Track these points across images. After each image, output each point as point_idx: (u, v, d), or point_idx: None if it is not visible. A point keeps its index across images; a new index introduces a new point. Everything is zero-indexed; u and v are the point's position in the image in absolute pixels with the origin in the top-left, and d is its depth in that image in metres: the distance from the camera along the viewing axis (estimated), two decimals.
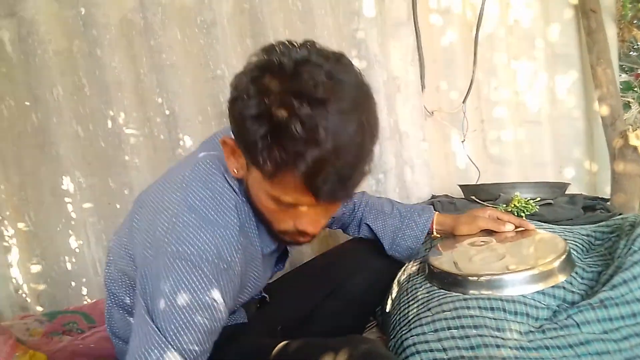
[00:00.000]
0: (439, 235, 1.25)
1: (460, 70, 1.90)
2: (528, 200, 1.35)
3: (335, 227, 1.34)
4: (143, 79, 1.53)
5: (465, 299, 0.96)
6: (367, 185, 1.81)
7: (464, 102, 1.86)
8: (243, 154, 0.75)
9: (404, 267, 1.27)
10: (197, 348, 0.72)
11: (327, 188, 0.69)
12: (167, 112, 1.56)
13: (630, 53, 2.40)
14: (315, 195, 0.70)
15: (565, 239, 1.17)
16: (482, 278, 0.99)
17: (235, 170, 0.80)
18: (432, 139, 1.92)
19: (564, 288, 1.00)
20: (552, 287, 0.98)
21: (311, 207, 0.76)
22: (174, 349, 0.69)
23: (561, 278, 1.00)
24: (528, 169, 2.03)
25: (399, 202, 1.31)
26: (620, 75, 2.09)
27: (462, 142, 1.86)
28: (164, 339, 0.69)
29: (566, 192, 1.57)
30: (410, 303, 1.06)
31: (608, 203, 1.46)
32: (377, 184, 1.82)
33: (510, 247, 1.09)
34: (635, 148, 1.83)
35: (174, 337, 0.70)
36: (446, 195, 1.79)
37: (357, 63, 1.70)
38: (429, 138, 1.89)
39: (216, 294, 0.74)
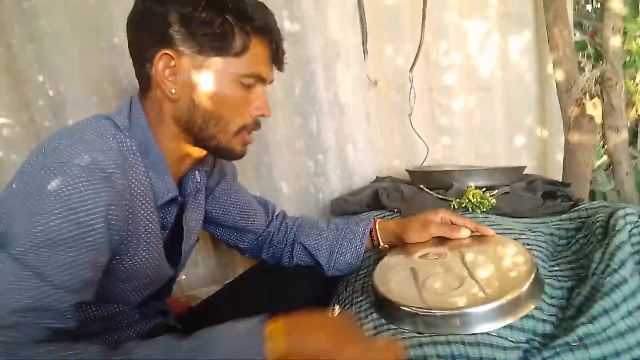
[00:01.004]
0: (387, 246, 1.07)
1: (407, 33, 1.67)
2: (484, 193, 1.18)
3: (266, 256, 1.15)
4: (16, 52, 1.20)
5: (420, 345, 0.78)
6: (304, 168, 1.59)
7: (411, 70, 1.64)
8: (197, 53, 0.76)
9: (345, 280, 1.09)
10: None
11: (282, 56, 0.86)
12: (51, 93, 1.24)
13: (587, 7, 2.23)
14: (277, 62, 0.86)
15: (529, 246, 1.02)
16: (439, 313, 0.81)
17: (172, 91, 0.78)
18: (375, 112, 1.70)
19: (533, 317, 0.84)
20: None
21: (264, 87, 0.85)
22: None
23: (531, 305, 0.84)
24: (478, 139, 1.88)
25: (338, 218, 1.12)
26: (574, 34, 1.92)
27: (409, 115, 1.65)
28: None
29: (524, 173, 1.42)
30: None
31: (569, 189, 1.32)
32: (316, 165, 1.60)
33: (469, 264, 0.92)
34: (591, 118, 1.71)
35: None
36: (391, 178, 1.60)
37: (288, 26, 1.44)
38: (372, 110, 1.68)
39: (93, 206, 0.66)
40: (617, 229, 0.93)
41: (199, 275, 1.48)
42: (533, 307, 0.84)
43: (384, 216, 1.30)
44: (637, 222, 0.96)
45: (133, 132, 0.78)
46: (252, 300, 1.07)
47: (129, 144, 0.77)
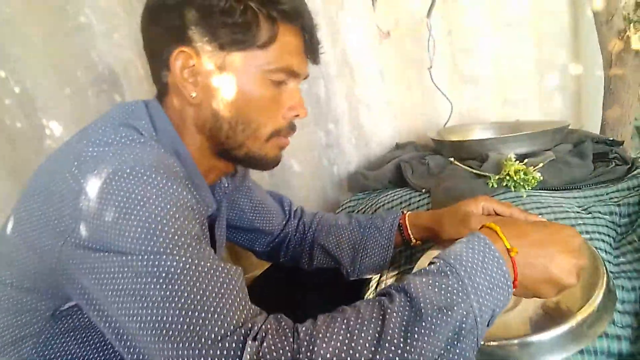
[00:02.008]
0: (419, 242, 0.92)
1: None
2: (527, 166, 1.01)
3: (284, 259, 1.03)
4: None
5: None
6: (314, 139, 1.42)
7: (428, 15, 1.42)
8: (218, 48, 0.66)
9: (372, 282, 0.95)
10: None
11: (317, 46, 0.73)
12: (17, 90, 1.07)
13: None
14: (311, 52, 0.72)
15: (588, 235, 0.87)
16: (494, 343, 0.67)
17: (193, 94, 0.68)
18: (390, 68, 1.50)
19: (606, 335, 0.70)
20: None
21: (298, 83, 0.73)
22: None
23: (605, 322, 0.70)
24: (506, 85, 1.68)
25: (361, 215, 0.97)
26: None
27: (429, 68, 1.45)
28: None
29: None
30: None
31: (622, 147, 1.14)
32: (327, 135, 1.43)
33: None
34: (637, 52, 1.49)
35: None
36: (414, 145, 1.42)
37: None
38: (386, 67, 1.47)
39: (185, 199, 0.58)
40: None
41: None
42: (607, 323, 0.70)
43: (409, 198, 1.14)
44: None
45: (162, 142, 0.66)
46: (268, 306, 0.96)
47: (164, 152, 0.65)
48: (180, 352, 0.48)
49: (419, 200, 1.12)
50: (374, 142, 1.49)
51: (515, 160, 1.03)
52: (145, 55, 0.73)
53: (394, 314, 0.50)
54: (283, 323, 0.53)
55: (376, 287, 0.94)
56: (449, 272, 0.53)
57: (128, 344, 0.53)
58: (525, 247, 0.56)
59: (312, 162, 1.43)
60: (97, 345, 0.66)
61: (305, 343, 0.49)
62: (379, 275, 0.96)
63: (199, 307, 0.50)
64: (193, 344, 0.48)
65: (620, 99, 1.61)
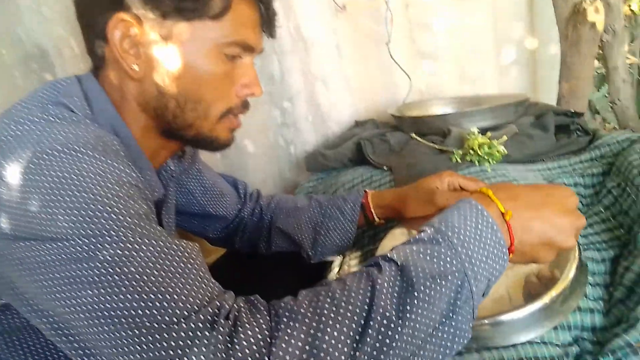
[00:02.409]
0: (383, 222, 0.88)
1: None
2: (492, 142, 0.97)
3: (240, 245, 0.97)
4: None
5: None
6: (269, 119, 1.35)
7: None
8: (162, 16, 0.58)
9: (334, 264, 0.90)
10: None
11: (274, 18, 0.67)
12: None
13: None
14: (267, 25, 0.67)
15: None
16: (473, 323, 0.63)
17: (135, 67, 0.60)
18: (347, 44, 1.44)
19: (579, 308, 0.68)
20: None
21: (252, 58, 0.66)
22: None
23: (579, 297, 0.67)
24: (464, 60, 1.65)
25: (321, 195, 0.92)
26: None
27: (387, 43, 1.40)
28: None
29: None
30: None
31: (582, 118, 1.12)
32: (283, 114, 1.36)
33: None
34: (592, 25, 1.49)
35: None
36: (373, 122, 1.37)
37: None
38: (343, 41, 1.41)
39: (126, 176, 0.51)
40: None
41: None
42: (581, 297, 0.67)
43: (371, 176, 1.09)
44: None
45: (99, 121, 0.58)
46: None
47: (101, 130, 0.57)
48: (132, 341, 0.42)
49: (381, 179, 1.07)
50: (332, 120, 1.43)
51: (478, 134, 0.99)
52: (79, 25, 0.64)
53: (384, 285, 0.45)
54: (256, 301, 0.47)
55: (339, 270, 0.89)
56: (440, 240, 0.48)
57: (71, 339, 0.46)
58: (520, 209, 0.52)
59: (267, 142, 1.36)
60: (32, 349, 0.58)
61: (285, 319, 0.44)
62: (342, 256, 0.91)
63: (154, 288, 0.43)
64: (145, 330, 0.42)
65: (576, 72, 1.61)
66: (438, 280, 0.45)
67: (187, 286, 0.45)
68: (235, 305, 0.46)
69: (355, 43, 1.46)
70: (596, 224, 0.84)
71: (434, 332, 0.45)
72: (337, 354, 0.42)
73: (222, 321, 0.43)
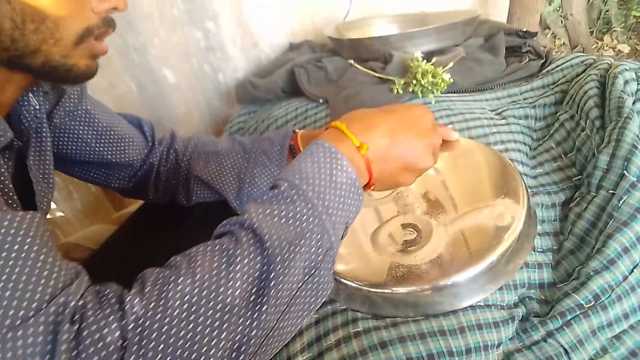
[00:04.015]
0: None
1: None
2: (436, 70, 0.86)
3: (155, 196, 0.85)
4: None
5: (383, 344, 0.53)
6: (190, 42, 1.18)
7: None
8: None
9: None
10: None
11: None
12: None
13: None
14: None
15: (503, 145, 0.76)
16: (403, 290, 0.56)
17: None
18: None
19: (526, 265, 0.61)
20: None
21: None
22: None
23: (526, 252, 0.60)
24: None
25: (246, 137, 0.82)
26: None
27: None
28: None
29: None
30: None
31: (535, 39, 1.02)
32: (206, 37, 1.18)
33: (431, 198, 0.65)
34: None
35: None
36: (309, 45, 1.22)
37: None
38: None
39: None
40: (623, 112, 0.67)
41: (78, 209, 1.13)
42: (528, 252, 0.60)
43: (306, 110, 0.97)
44: None
45: None
46: (159, 240, 0.79)
47: None
48: None
49: (316, 113, 0.95)
50: (264, 42, 1.26)
51: (422, 60, 0.88)
52: None
53: (245, 265, 0.40)
54: (107, 293, 0.38)
55: None
56: (295, 197, 0.44)
57: None
58: (375, 140, 0.50)
59: (190, 70, 1.19)
60: None
61: (134, 317, 0.35)
62: None
63: None
64: None
65: None
66: (298, 243, 0.42)
67: (19, 286, 0.34)
68: (81, 301, 0.36)
69: None
70: (547, 163, 0.76)
71: (297, 293, 0.43)
72: None
73: (67, 326, 0.34)
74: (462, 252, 0.57)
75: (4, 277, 0.34)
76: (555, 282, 0.61)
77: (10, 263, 0.34)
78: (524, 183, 0.63)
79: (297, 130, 0.78)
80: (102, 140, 0.75)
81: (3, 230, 0.35)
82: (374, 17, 1.28)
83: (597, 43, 2.28)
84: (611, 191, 0.62)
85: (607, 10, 2.21)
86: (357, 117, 0.52)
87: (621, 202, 0.60)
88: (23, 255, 0.35)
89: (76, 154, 0.73)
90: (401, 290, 0.56)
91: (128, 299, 0.36)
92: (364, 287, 0.57)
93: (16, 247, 0.35)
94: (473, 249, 0.57)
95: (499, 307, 0.58)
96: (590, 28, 2.16)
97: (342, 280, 0.59)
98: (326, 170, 0.46)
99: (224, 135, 0.89)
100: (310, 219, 0.44)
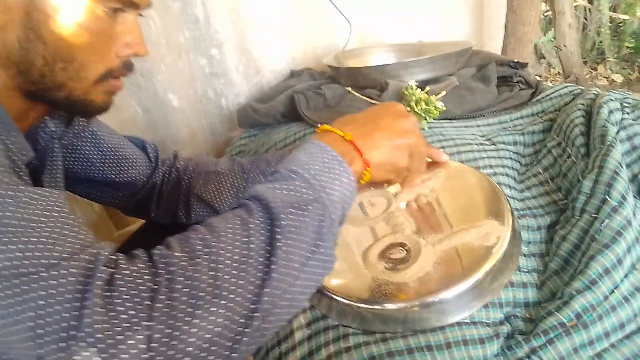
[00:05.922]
0: None
1: None
2: (430, 97, 0.90)
3: (156, 215, 0.88)
4: None
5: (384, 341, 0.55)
6: (195, 69, 1.22)
7: None
8: None
9: None
10: None
11: None
12: None
13: None
14: None
15: (491, 169, 0.80)
16: (392, 307, 0.58)
17: None
18: None
19: (511, 284, 0.64)
20: None
21: (136, 14, 0.58)
22: None
23: (511, 271, 0.63)
24: (408, 3, 1.55)
25: (245, 158, 0.87)
26: None
27: None
28: None
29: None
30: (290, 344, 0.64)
31: (526, 69, 1.06)
32: (211, 63, 1.23)
33: (419, 218, 0.68)
34: None
35: None
36: (310, 73, 1.27)
37: None
38: None
39: None
40: (607, 140, 0.71)
41: None
42: (513, 271, 0.63)
43: (304, 135, 1.01)
44: (632, 122, 0.74)
45: None
46: None
47: None
48: None
49: None
50: (266, 69, 1.31)
51: (416, 88, 0.92)
52: None
53: (256, 223, 0.44)
54: (135, 252, 0.42)
55: None
56: (293, 176, 0.49)
57: None
58: (358, 128, 0.55)
59: (194, 95, 1.24)
60: None
61: (162, 265, 0.40)
62: None
63: (13, 238, 0.38)
64: (7, 281, 0.36)
65: (523, 17, 1.55)
66: (300, 209, 0.46)
67: (54, 234, 0.39)
68: (114, 255, 0.41)
69: None
70: (534, 187, 0.79)
71: (307, 261, 0.46)
72: None
73: (102, 267, 0.38)
74: (449, 270, 0.59)
75: (44, 220, 0.39)
76: (540, 301, 0.63)
77: (47, 213, 0.40)
78: (510, 205, 0.66)
79: (294, 151, 0.82)
80: (107, 160, 0.78)
81: (49, 200, 0.41)
82: (372, 46, 1.33)
83: (591, 73, 2.34)
84: (594, 215, 0.65)
85: (601, 41, 2.27)
86: (339, 119, 0.58)
87: (603, 225, 0.63)
88: (59, 209, 0.41)
89: (81, 172, 0.77)
90: (390, 306, 0.59)
91: (156, 252, 0.41)
92: (354, 303, 0.59)
93: (53, 203, 0.41)
94: (460, 267, 0.59)
95: (485, 324, 0.60)
96: (584, 58, 2.22)
97: (334, 296, 0.61)
98: (318, 158, 0.51)
99: (224, 157, 0.92)
100: (310, 192, 0.47)
